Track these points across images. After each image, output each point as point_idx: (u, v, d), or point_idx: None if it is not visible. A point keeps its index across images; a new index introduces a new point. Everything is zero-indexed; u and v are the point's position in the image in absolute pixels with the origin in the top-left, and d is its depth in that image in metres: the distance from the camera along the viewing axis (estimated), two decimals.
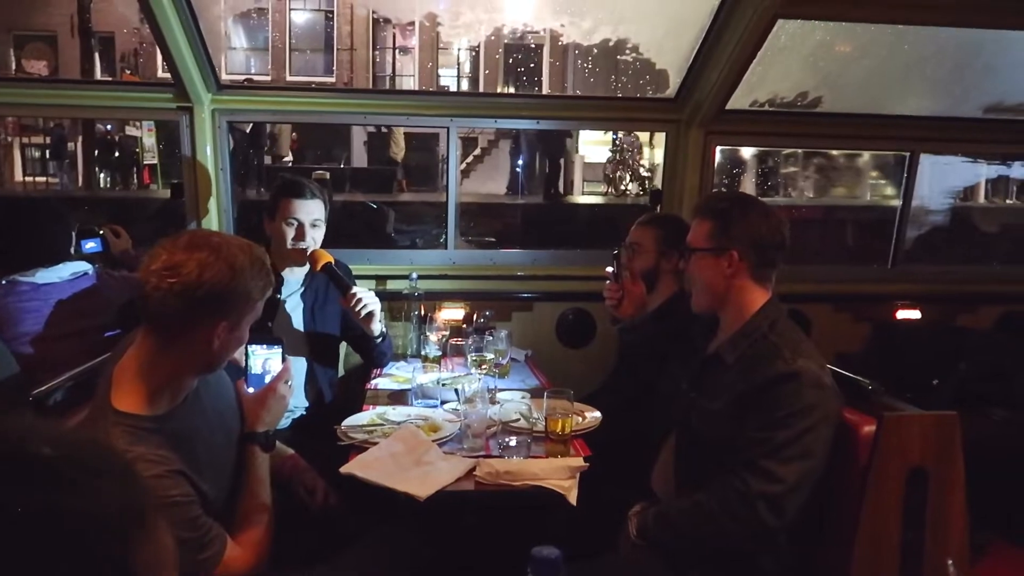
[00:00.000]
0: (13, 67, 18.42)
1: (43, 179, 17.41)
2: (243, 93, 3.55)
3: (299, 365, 2.77)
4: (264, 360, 2.01)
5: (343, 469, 2.02)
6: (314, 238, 2.80)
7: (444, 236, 3.81)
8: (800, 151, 15.90)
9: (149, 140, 17.46)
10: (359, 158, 18.85)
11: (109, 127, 16.90)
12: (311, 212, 2.78)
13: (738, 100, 3.42)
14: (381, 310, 2.76)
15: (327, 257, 2.74)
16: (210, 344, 1.62)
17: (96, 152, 17.10)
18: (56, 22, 18.33)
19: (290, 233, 2.77)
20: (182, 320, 1.58)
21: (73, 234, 2.80)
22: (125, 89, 3.65)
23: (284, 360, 2.00)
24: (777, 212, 2.04)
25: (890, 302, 3.86)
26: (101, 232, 3.15)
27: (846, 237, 9.82)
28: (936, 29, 3.26)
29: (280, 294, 2.79)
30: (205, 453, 1.72)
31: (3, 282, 2.58)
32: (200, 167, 3.39)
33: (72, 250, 2.77)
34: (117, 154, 17.07)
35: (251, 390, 1.97)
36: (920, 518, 1.86)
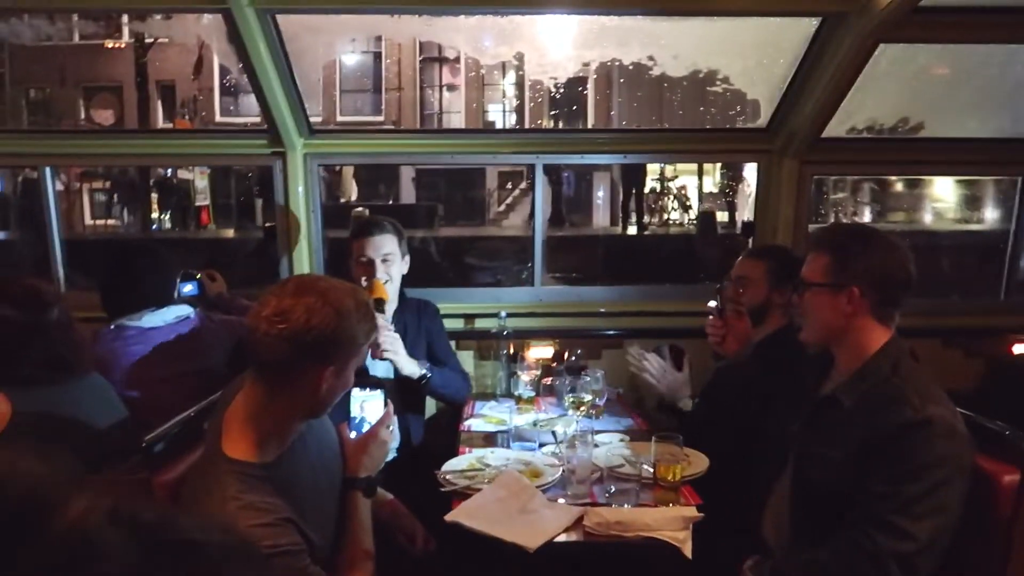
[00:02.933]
0: (82, 116, 19.56)
1: (109, 221, 18.26)
2: (334, 137, 3.62)
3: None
4: (363, 403, 2.00)
5: (448, 517, 1.98)
6: (388, 273, 2.81)
7: (530, 273, 3.78)
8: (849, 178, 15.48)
9: (201, 183, 18.28)
10: (407, 194, 19.25)
11: (169, 172, 17.59)
12: (380, 247, 2.81)
13: (834, 128, 3.30)
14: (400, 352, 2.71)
15: (380, 293, 2.71)
16: (317, 389, 1.62)
17: (157, 195, 17.88)
18: (121, 72, 19.36)
19: (361, 271, 2.81)
20: (290, 365, 1.59)
21: (178, 279, 2.87)
22: (222, 137, 3.75)
23: (386, 404, 1.98)
24: (903, 246, 1.92)
25: (1005, 335, 3.63)
26: (199, 276, 3.22)
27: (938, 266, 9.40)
28: None
29: None
30: (311, 499, 1.71)
31: (112, 327, 2.65)
32: (292, 210, 3.46)
33: (175, 294, 2.84)
34: (175, 197, 17.89)
35: (353, 434, 1.95)
36: None
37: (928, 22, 2.73)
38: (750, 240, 3.64)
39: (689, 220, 16.16)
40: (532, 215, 3.78)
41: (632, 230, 15.11)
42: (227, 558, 0.69)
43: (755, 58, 3.22)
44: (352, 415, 2.01)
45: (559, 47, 3.20)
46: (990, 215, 16.43)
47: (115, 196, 18.49)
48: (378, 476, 1.92)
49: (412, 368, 2.74)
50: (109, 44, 19.78)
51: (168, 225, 17.48)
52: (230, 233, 15.90)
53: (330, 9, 2.98)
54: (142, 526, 0.66)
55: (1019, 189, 3.66)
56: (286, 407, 1.65)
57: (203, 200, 18.21)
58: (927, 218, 16.96)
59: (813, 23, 2.92)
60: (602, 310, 3.67)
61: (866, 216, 16.93)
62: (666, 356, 2.86)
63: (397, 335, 2.73)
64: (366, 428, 1.97)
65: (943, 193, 17.46)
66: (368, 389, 2.01)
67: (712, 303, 2.68)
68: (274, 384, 1.63)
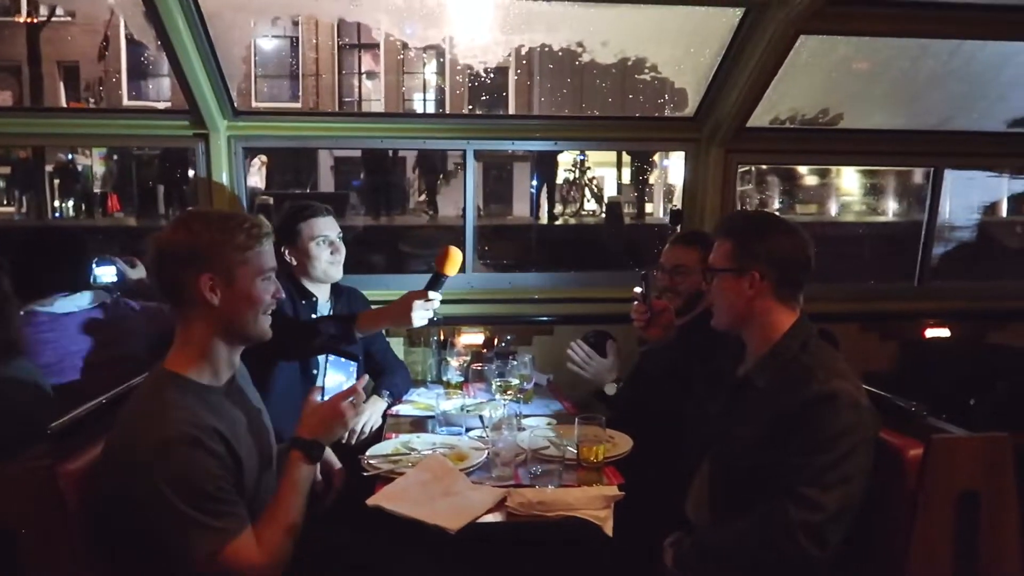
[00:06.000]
0: None
1: (3, 208, 17.26)
2: (259, 119, 3.52)
3: None
4: (334, 372, 1.97)
5: (370, 501, 1.96)
6: (342, 251, 2.84)
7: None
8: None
9: (100, 168, 17.42)
10: (326, 183, 18.86)
11: (71, 156, 16.62)
12: (334, 227, 2.84)
13: (759, 118, 3.37)
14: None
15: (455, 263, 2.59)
16: (209, 301, 1.67)
17: (59, 181, 16.76)
18: (21, 52, 18.13)
19: (326, 251, 2.79)
20: (171, 286, 1.69)
21: (93, 264, 2.77)
22: (142, 117, 3.63)
23: (358, 377, 1.93)
24: (802, 230, 1.98)
25: (918, 320, 3.79)
26: (116, 261, 3.12)
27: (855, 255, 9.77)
28: (961, 42, 3.21)
29: (315, 313, 2.78)
30: (244, 439, 1.73)
31: (21, 313, 2.53)
32: (216, 193, 3.36)
33: (90, 279, 2.74)
34: (79, 183, 16.91)
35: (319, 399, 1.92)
36: (973, 543, 1.79)
37: (844, 14, 2.81)
38: (678, 227, 3.70)
39: (601, 211, 16.34)
40: (463, 202, 3.75)
41: (545, 220, 14.97)
42: None
43: (683, 47, 3.27)
44: (324, 380, 1.98)
45: (488, 31, 3.18)
46: (891, 206, 17.26)
47: (8, 181, 17.41)
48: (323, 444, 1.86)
49: (379, 414, 2.70)
50: (8, 19, 18.67)
51: (71, 213, 16.34)
52: (133, 221, 14.97)
53: None
54: None
55: (931, 181, 3.81)
56: (202, 328, 1.70)
57: (101, 187, 17.20)
58: (833, 209, 17.63)
59: (737, 13, 2.97)
60: (535, 296, 3.69)
61: (775, 207, 17.41)
62: (591, 342, 2.89)
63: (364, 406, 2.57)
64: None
65: (849, 186, 18.25)
66: (343, 360, 1.98)
67: (637, 289, 2.71)
68: (179, 309, 1.71)
